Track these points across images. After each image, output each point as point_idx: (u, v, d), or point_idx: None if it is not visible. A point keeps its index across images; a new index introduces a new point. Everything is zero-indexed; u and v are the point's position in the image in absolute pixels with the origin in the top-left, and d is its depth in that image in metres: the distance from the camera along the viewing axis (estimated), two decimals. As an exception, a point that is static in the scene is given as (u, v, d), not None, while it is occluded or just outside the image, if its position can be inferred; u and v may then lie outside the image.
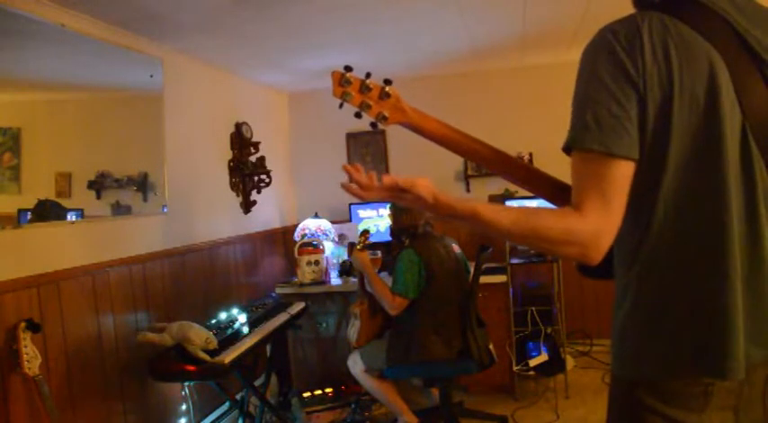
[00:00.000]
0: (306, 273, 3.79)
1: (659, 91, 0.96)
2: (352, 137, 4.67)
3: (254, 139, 3.97)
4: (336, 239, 4.13)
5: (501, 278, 3.57)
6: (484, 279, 3.21)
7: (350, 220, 4.41)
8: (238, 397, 3.11)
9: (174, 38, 3.01)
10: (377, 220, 4.27)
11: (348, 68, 1.26)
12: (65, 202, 2.43)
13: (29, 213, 2.26)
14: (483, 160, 1.30)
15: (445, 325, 2.86)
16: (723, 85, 0.95)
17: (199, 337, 2.45)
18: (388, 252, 4.06)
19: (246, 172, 3.87)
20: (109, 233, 2.66)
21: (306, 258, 3.79)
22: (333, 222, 4.18)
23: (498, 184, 4.37)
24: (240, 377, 2.88)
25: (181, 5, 2.54)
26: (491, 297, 3.53)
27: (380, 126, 1.29)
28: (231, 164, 3.80)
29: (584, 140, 0.99)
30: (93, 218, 2.58)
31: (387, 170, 4.63)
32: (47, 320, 2.22)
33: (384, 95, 1.26)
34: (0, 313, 2.04)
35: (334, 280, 3.89)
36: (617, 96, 0.97)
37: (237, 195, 3.88)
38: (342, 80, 1.25)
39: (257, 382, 3.49)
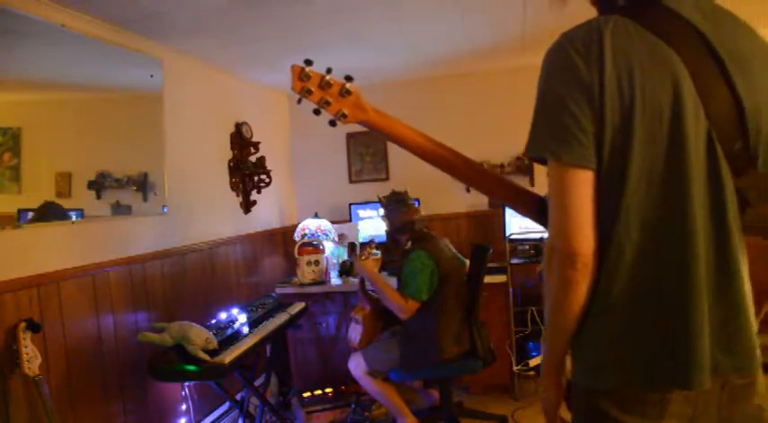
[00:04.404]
0: (306, 273, 3.80)
1: (619, 99, 0.93)
2: (351, 137, 4.66)
3: (254, 139, 3.98)
4: (336, 239, 4.12)
5: (501, 278, 3.57)
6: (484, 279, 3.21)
7: (350, 220, 4.41)
8: (238, 397, 3.11)
9: (174, 38, 3.01)
10: (376, 221, 4.27)
11: (308, 62, 1.19)
12: (65, 202, 2.43)
13: (29, 213, 2.26)
14: (449, 168, 1.25)
15: (456, 324, 2.87)
16: (686, 93, 0.93)
17: (199, 337, 2.45)
18: (387, 252, 4.05)
19: (246, 172, 3.88)
20: (109, 233, 2.66)
21: (306, 258, 3.80)
22: (333, 222, 4.18)
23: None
24: (240, 377, 2.88)
25: (181, 5, 2.54)
26: (491, 297, 3.53)
27: (340, 123, 1.24)
28: (231, 164, 3.80)
29: (535, 148, 1.01)
30: (93, 218, 2.58)
31: (386, 170, 4.64)
32: (47, 320, 2.23)
33: (344, 93, 1.21)
34: (0, 313, 2.04)
35: (334, 280, 3.89)
36: (568, 104, 0.95)
37: (237, 195, 3.88)
38: (302, 75, 1.19)
39: (257, 382, 3.50)
